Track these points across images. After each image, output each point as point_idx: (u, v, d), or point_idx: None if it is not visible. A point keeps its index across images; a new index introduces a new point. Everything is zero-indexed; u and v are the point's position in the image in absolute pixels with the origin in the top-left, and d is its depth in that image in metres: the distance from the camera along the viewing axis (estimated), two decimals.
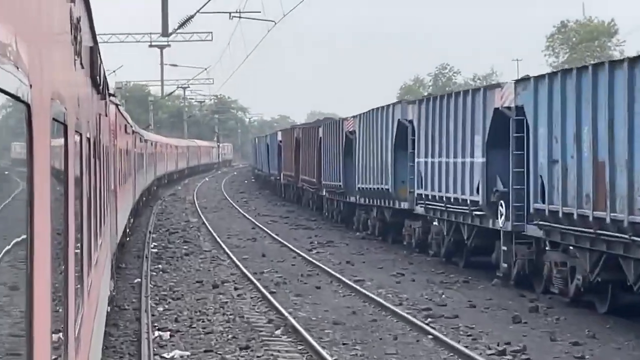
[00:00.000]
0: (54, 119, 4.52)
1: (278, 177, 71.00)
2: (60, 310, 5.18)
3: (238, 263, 32.58)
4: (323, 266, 31.50)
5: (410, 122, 33.79)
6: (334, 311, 23.35)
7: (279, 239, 40.62)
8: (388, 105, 37.33)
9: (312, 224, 48.89)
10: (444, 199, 29.75)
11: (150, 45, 73.42)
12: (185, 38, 68.46)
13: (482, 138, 26.79)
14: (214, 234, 43.11)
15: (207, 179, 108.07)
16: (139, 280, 29.44)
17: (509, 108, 25.19)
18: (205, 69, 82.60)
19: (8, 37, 2.95)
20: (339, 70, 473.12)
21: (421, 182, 32.22)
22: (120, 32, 77.65)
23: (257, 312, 23.60)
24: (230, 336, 20.73)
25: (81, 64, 7.69)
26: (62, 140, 5.39)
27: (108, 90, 17.13)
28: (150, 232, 44.92)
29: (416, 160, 32.70)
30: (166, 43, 72.98)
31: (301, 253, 35.43)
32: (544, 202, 22.87)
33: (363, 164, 39.98)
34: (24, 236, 3.50)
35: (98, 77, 11.16)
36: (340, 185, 44.82)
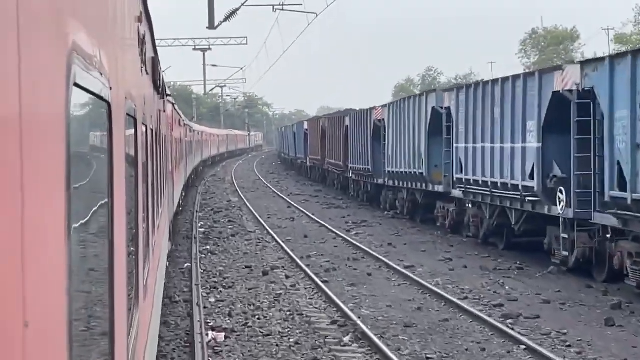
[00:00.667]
0: (127, 114, 4.56)
1: (304, 161, 64.53)
2: (133, 263, 5.10)
3: (283, 245, 26.36)
4: (366, 249, 25.24)
5: (447, 109, 27.45)
6: (398, 307, 17.11)
7: (316, 219, 34.32)
8: (421, 94, 30.97)
9: (341, 203, 42.46)
10: (489, 183, 23.45)
11: (194, 49, 67.56)
12: (224, 42, 62.58)
13: (538, 123, 20.46)
14: (255, 214, 36.83)
15: (240, 162, 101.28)
16: (189, 265, 23.34)
17: (570, 91, 18.88)
18: (241, 69, 75.88)
19: (94, 50, 2.94)
20: (343, 73, 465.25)
21: (460, 167, 25.92)
22: (168, 37, 71.46)
23: (315, 308, 17.37)
24: (292, 341, 14.57)
25: (146, 70, 7.77)
26: (132, 131, 5.29)
27: (166, 91, 16.63)
28: (197, 212, 38.70)
29: (454, 145, 26.37)
30: (208, 47, 66.79)
31: (340, 234, 29.16)
32: (624, 190, 16.57)
33: (393, 149, 33.63)
34: (107, 206, 3.48)
35: (158, 81, 11.12)
36: (368, 169, 38.48)
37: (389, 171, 34.38)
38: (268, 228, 31.22)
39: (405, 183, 32.54)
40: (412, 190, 32.10)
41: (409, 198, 32.59)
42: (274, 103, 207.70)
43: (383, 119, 35.65)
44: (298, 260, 23.13)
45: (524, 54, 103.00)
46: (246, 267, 22.89)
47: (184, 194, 37.26)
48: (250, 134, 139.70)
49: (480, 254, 24.04)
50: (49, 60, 2.19)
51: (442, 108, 27.87)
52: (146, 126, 7.07)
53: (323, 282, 19.90)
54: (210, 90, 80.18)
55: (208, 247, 27.55)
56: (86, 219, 2.90)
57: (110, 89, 3.43)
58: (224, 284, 20.61)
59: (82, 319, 2.78)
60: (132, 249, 4.96)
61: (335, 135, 48.05)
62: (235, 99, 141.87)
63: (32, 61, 1.98)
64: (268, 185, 57.65)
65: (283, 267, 22.71)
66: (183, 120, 35.70)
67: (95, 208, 3.18)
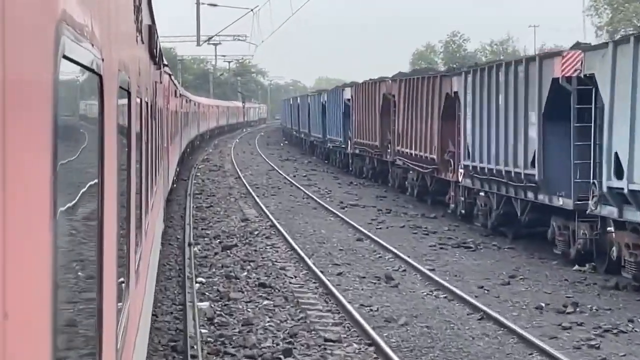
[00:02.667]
0: (120, 87, 4.46)
1: (342, 146, 46.60)
2: (124, 247, 4.96)
3: None
4: None
5: None
6: None
7: (442, 282, 16.62)
8: None
9: (447, 230, 24.49)
10: None
11: None
12: None
13: None
14: (307, 260, 19.19)
15: (237, 141, 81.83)
16: None
17: None
18: (252, 10, 57.04)
19: (85, 19, 2.85)
20: (345, 39, 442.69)
21: None
22: None
23: None
24: None
25: (141, 39, 7.56)
26: (126, 105, 5.15)
27: (163, 62, 16.41)
28: (190, 244, 21.12)
29: None
30: None
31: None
32: None
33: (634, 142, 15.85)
34: (96, 185, 3.41)
35: (155, 51, 10.94)
36: (527, 177, 20.72)
37: (611, 188, 16.63)
38: (362, 322, 13.60)
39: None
40: None
41: None
42: (269, 71, 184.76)
43: (589, 76, 17.81)
44: None
45: (594, 12, 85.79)
46: None
47: (178, 169, 33.90)
48: (246, 105, 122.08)
49: None
50: (36, 31, 2.14)
51: None
52: (141, 99, 7.04)
53: None
54: (204, 42, 62.19)
55: None
56: (73, 200, 2.85)
57: (102, 60, 3.39)
58: None
59: (67, 308, 2.73)
60: (122, 232, 4.86)
61: (419, 108, 30.23)
62: (230, 62, 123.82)
63: (17, 32, 1.95)
64: (293, 183, 39.55)
65: None
66: (179, 91, 33.72)
67: (84, 188, 3.13)
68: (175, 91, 29.66)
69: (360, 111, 40.90)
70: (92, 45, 3.01)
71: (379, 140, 36.66)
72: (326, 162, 53.30)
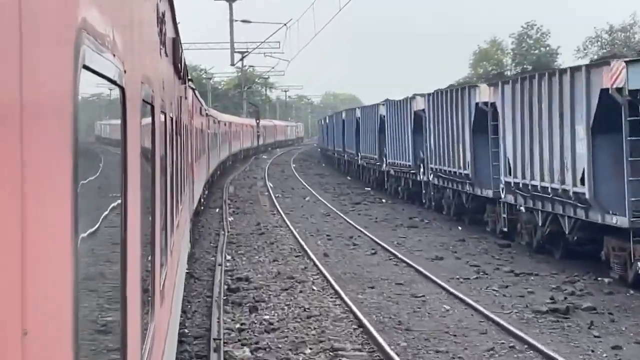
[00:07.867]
0: (143, 100, 4.45)
1: (464, 188, 31.54)
2: (148, 266, 4.98)
3: None
4: None
5: None
6: None
7: None
8: None
9: None
10: None
11: None
12: None
13: None
14: None
15: (271, 185, 54.09)
16: None
17: None
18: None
19: (106, 28, 2.88)
20: (350, 54, 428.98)
21: None
22: None
23: None
24: None
25: (165, 53, 7.58)
26: (149, 119, 5.18)
27: (187, 76, 16.52)
28: None
29: None
30: None
31: None
32: None
33: None
34: (119, 201, 3.41)
35: (179, 65, 10.87)
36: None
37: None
38: None
39: None
40: None
41: None
42: (276, 82, 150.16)
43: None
44: None
45: None
46: None
47: (206, 191, 34.89)
48: (283, 124, 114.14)
49: None
50: (55, 39, 2.11)
51: None
52: (165, 114, 7.01)
53: None
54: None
55: None
56: (95, 218, 2.82)
57: (125, 72, 3.37)
58: None
59: (89, 327, 2.72)
60: (147, 250, 4.85)
61: None
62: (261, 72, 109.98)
63: (35, 40, 1.92)
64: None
65: None
66: (205, 109, 33.35)
67: (106, 205, 3.11)
68: (201, 109, 29.58)
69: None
70: (114, 55, 3.03)
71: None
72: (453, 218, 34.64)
